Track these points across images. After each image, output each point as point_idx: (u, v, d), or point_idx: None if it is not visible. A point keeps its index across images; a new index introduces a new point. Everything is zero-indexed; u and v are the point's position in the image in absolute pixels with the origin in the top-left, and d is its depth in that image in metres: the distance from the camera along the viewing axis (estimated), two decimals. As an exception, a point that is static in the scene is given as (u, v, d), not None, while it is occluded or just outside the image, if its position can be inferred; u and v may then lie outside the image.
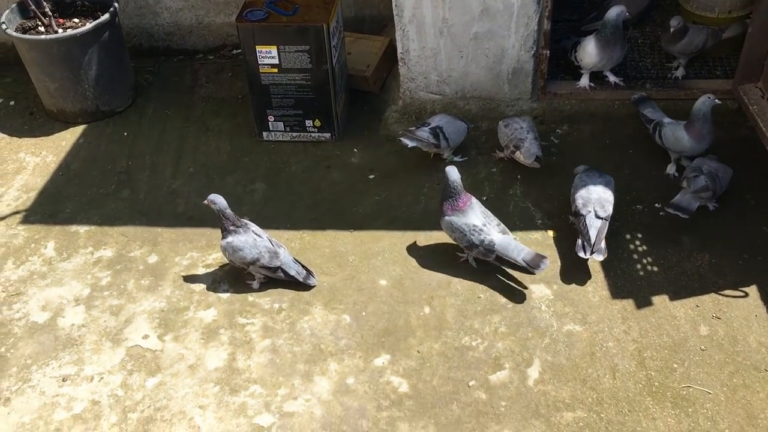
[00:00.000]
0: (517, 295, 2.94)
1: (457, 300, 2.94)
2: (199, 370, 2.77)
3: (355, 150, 3.73)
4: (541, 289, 2.95)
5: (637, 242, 3.10)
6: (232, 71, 4.38)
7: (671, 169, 3.40)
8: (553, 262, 3.04)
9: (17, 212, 3.49)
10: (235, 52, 4.51)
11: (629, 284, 2.94)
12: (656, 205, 3.25)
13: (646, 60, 3.93)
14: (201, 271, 3.15)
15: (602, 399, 2.57)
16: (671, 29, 3.62)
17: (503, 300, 2.92)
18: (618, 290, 2.91)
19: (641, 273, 2.97)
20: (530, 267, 2.89)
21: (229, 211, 3.00)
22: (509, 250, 2.93)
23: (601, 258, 2.93)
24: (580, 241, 2.96)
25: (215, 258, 3.20)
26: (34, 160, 3.81)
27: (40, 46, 3.74)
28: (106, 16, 3.82)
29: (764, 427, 2.47)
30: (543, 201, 3.34)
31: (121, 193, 3.58)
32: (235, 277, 3.11)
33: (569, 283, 2.96)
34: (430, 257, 3.13)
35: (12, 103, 4.22)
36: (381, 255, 3.16)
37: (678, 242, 3.08)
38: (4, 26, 3.82)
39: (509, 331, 2.81)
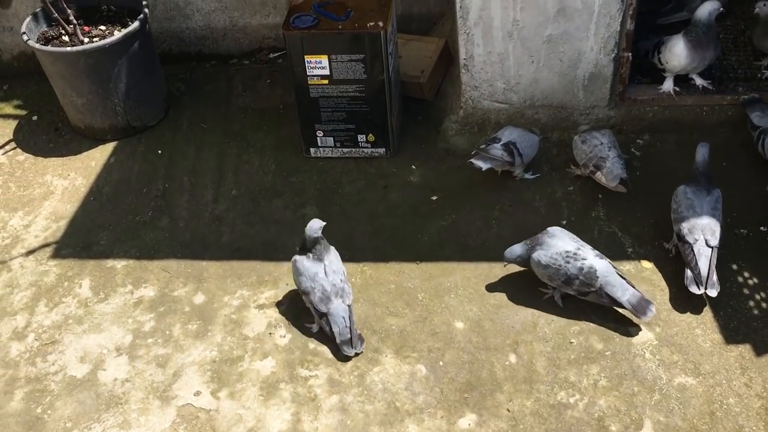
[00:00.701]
0: (614, 339, 2.60)
1: (547, 346, 2.60)
2: (260, 432, 2.46)
3: (413, 167, 3.38)
4: (642, 332, 2.60)
5: (746, 273, 2.74)
6: (270, 77, 4.03)
7: (774, 185, 3.04)
8: (651, 298, 2.69)
9: (47, 245, 3.18)
10: (272, 56, 4.16)
11: (744, 326, 2.58)
12: (762, 228, 2.89)
13: (731, 58, 3.54)
14: (254, 312, 2.83)
15: (726, 466, 2.25)
16: (756, 12, 3.22)
17: (600, 346, 2.58)
18: (732, 333, 2.56)
19: (756, 312, 2.62)
20: (635, 313, 2.55)
21: (313, 236, 2.71)
22: (614, 285, 2.58)
23: (715, 293, 2.59)
24: (689, 273, 2.62)
25: (268, 297, 2.88)
26: (62, 183, 3.49)
27: (65, 59, 3.40)
28: (136, 23, 3.47)
29: None
30: (631, 225, 2.98)
31: (160, 220, 3.25)
32: (293, 318, 2.79)
33: (674, 325, 2.61)
34: (509, 293, 2.79)
35: (35, 118, 3.90)
36: (454, 291, 2.82)
37: (792, 273, 2.73)
38: (25, 37, 3.49)
39: (611, 384, 2.47)
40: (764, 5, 3.18)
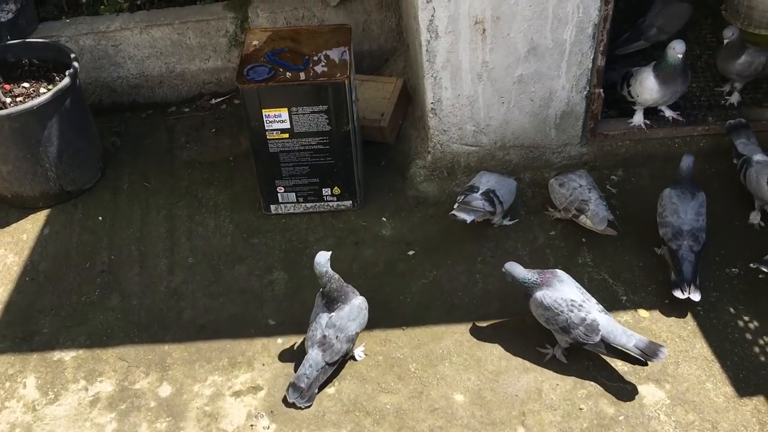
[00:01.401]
0: (624, 401, 2.44)
1: (556, 415, 2.42)
2: None
3: (384, 219, 3.16)
4: (651, 391, 2.46)
5: (746, 317, 2.65)
6: (215, 126, 3.74)
7: (755, 218, 2.97)
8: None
9: (-21, 338, 2.80)
10: (214, 101, 3.87)
11: (753, 375, 2.48)
12: (752, 265, 2.82)
13: (692, 85, 3.49)
14: (230, 401, 2.54)
15: None
16: (725, 41, 3.18)
17: (611, 410, 2.43)
18: (743, 385, 2.45)
19: (762, 358, 2.52)
20: (646, 357, 2.41)
21: (320, 270, 2.53)
22: (616, 335, 2.44)
23: (698, 297, 2.63)
24: (673, 277, 2.65)
25: (244, 381, 2.59)
26: (-10, 262, 3.11)
27: (-14, 125, 3.03)
28: (66, 79, 3.12)
29: None
30: (621, 270, 2.85)
31: (109, 299, 2.91)
32: (275, 404, 2.51)
33: (683, 380, 2.49)
34: (506, 356, 2.61)
35: (-50, 186, 3.48)
36: (447, 359, 2.62)
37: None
38: (-65, 100, 3.09)
39: (631, 454, 2.32)
40: (731, 34, 3.13)
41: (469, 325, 2.72)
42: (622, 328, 2.48)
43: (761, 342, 2.57)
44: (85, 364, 2.69)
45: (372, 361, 2.63)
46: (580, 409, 2.43)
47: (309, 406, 2.49)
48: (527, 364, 2.58)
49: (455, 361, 2.61)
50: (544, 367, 2.56)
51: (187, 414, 2.51)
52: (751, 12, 3.34)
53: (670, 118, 3.25)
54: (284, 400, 2.51)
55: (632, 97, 3.18)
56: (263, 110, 2.87)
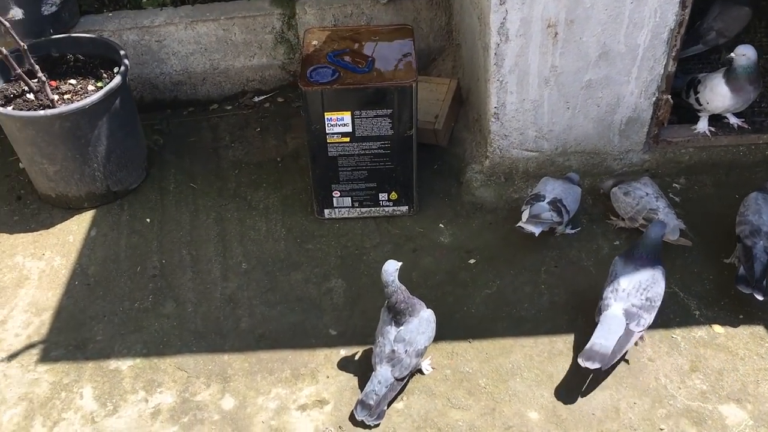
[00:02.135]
0: (707, 422, 2.37)
1: (637, 435, 2.36)
2: None
3: (441, 225, 3.08)
4: (733, 411, 2.39)
5: (826, 334, 2.58)
6: (260, 125, 3.64)
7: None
8: (732, 371, 2.50)
9: (32, 345, 2.71)
10: (257, 99, 3.77)
11: (839, 396, 2.42)
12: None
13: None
14: (296, 416, 2.46)
15: None
16: None
17: (693, 431, 2.36)
18: (829, 405, 2.39)
19: None
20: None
21: (387, 279, 2.44)
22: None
23: (761, 297, 2.57)
24: (741, 272, 2.65)
25: (310, 395, 2.52)
26: (37, 265, 3.01)
27: (37, 124, 2.92)
28: (118, 78, 3.02)
29: None
30: (691, 283, 2.78)
31: (164, 306, 2.83)
32: (344, 419, 2.43)
33: (765, 400, 2.41)
34: (579, 372, 2.53)
35: (-11, 184, 3.39)
36: (518, 374, 2.54)
37: None
38: (-19, 97, 2.99)
39: (718, 478, 2.25)
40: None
41: (538, 339, 2.64)
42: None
43: (843, 361, 2.51)
44: (142, 373, 2.60)
45: (440, 375, 2.56)
46: (661, 429, 2.36)
47: (378, 424, 2.41)
48: (601, 381, 2.50)
49: (526, 377, 2.53)
50: (620, 383, 2.49)
51: (253, 428, 2.43)
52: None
53: (735, 125, 3.17)
54: (351, 418, 2.43)
55: (701, 105, 3.09)
56: (325, 113, 2.78)
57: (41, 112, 2.88)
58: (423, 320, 2.49)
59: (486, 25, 2.77)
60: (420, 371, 2.55)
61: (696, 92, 3.08)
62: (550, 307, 2.74)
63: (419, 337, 2.46)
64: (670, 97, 2.98)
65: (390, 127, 2.83)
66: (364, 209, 3.09)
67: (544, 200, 2.86)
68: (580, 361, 2.41)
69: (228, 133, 3.61)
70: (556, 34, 2.75)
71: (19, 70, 2.99)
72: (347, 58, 2.83)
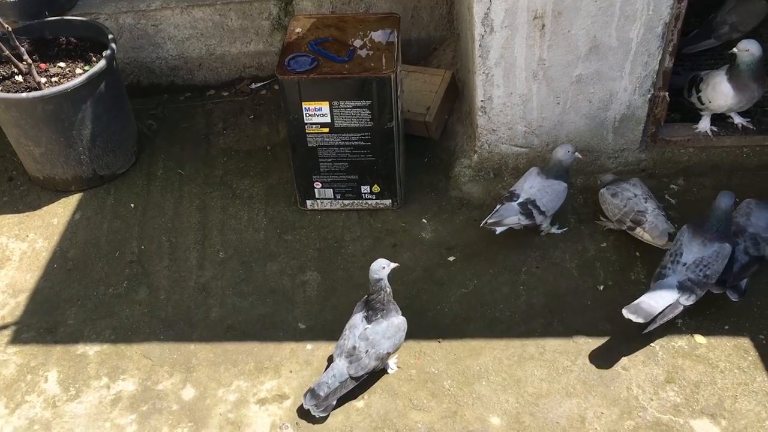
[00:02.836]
0: (676, 436, 2.27)
1: (600, 448, 2.26)
2: None
3: (424, 220, 3.00)
4: (706, 427, 2.27)
5: (815, 351, 2.44)
6: (254, 112, 3.61)
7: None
8: (709, 384, 2.37)
9: (5, 326, 2.72)
10: (254, 86, 3.74)
11: (821, 417, 2.28)
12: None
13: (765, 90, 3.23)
14: (254, 410, 2.43)
15: None
16: None
17: (661, 446, 2.25)
18: (809, 426, 2.26)
19: (831, 399, 2.32)
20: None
21: (374, 277, 2.40)
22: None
23: (735, 298, 2.53)
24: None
25: (270, 389, 2.48)
26: (20, 246, 3.03)
27: (20, 106, 2.93)
28: (102, 62, 3.01)
29: None
30: (677, 290, 2.66)
31: (137, 292, 2.82)
32: (302, 415, 2.39)
33: (741, 417, 2.28)
34: (549, 378, 2.44)
35: (-18, 165, 3.43)
36: (485, 377, 2.46)
37: None
38: (-30, 78, 3.02)
39: (682, 497, 2.14)
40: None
41: (510, 342, 2.55)
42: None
43: (831, 380, 2.36)
44: (108, 359, 2.60)
45: (405, 374, 2.49)
46: (627, 442, 2.26)
47: (324, 417, 2.35)
48: (571, 388, 2.40)
49: (493, 380, 2.45)
50: (588, 392, 2.39)
51: (210, 420, 2.40)
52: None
53: (740, 125, 3.01)
54: (300, 408, 2.38)
55: (703, 104, 2.93)
56: (303, 103, 2.72)
57: (23, 95, 2.89)
58: (392, 325, 2.42)
59: (471, 15, 2.68)
60: (385, 370, 2.49)
61: (698, 90, 2.93)
62: (527, 309, 2.65)
63: (384, 341, 2.39)
64: (667, 94, 2.84)
65: (370, 119, 2.76)
66: (346, 201, 3.03)
67: (516, 200, 2.75)
68: (624, 312, 2.42)
69: (221, 119, 3.58)
70: (543, 25, 2.63)
71: (7, 52, 3.01)
72: (329, 47, 2.77)
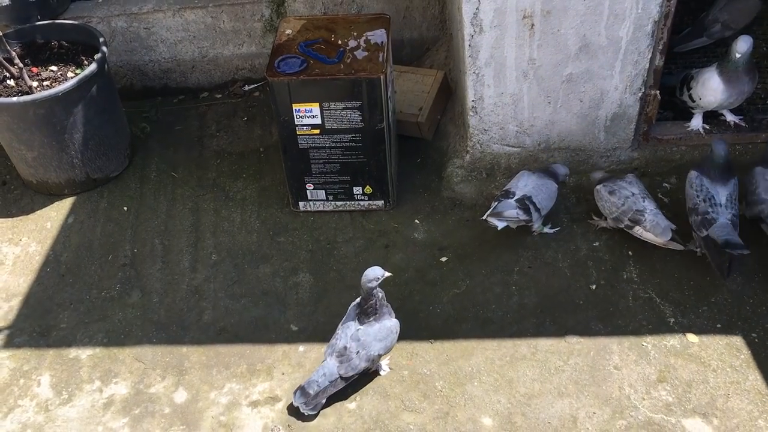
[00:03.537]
0: (668, 435, 2.27)
1: (592, 447, 2.26)
2: None
3: (417, 221, 3.00)
4: (698, 426, 2.27)
5: (807, 349, 2.43)
6: (247, 114, 3.61)
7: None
8: (702, 383, 2.37)
9: (-2, 331, 2.74)
10: (247, 88, 3.74)
11: (813, 415, 2.27)
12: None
13: (756, 86, 3.22)
14: (246, 412, 2.43)
15: None
16: None
17: (653, 445, 2.25)
18: (801, 425, 2.25)
19: (823, 396, 2.31)
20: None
21: (367, 286, 2.40)
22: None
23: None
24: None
25: (263, 391, 2.48)
26: (13, 251, 3.03)
27: (11, 110, 2.93)
28: (93, 65, 3.01)
29: None
30: (670, 289, 2.65)
31: (129, 295, 2.82)
32: (294, 418, 2.39)
33: (733, 415, 2.28)
34: (541, 378, 2.43)
35: (-23, 169, 3.43)
36: (477, 378, 2.46)
37: None
38: (-38, 83, 3.02)
39: (673, 496, 2.14)
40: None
41: (502, 342, 2.55)
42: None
43: (823, 378, 2.36)
44: (101, 363, 2.60)
45: (397, 375, 2.49)
46: (619, 442, 2.26)
47: (313, 415, 2.36)
48: (563, 388, 2.40)
49: (485, 381, 2.45)
50: (580, 393, 2.39)
51: (202, 423, 2.41)
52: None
53: (732, 122, 3.00)
54: (290, 407, 2.39)
55: (693, 101, 2.93)
56: (293, 105, 2.72)
57: (14, 99, 2.90)
58: (384, 328, 2.41)
59: (461, 15, 2.67)
60: (377, 371, 2.49)
61: (689, 88, 2.93)
62: (519, 309, 2.65)
63: (375, 343, 2.39)
64: (658, 92, 2.84)
65: (360, 120, 2.76)
66: (339, 203, 3.03)
67: (513, 197, 2.75)
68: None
69: (215, 121, 3.58)
70: (533, 25, 2.63)
71: (-1, 57, 3.01)
72: (319, 49, 2.77)
